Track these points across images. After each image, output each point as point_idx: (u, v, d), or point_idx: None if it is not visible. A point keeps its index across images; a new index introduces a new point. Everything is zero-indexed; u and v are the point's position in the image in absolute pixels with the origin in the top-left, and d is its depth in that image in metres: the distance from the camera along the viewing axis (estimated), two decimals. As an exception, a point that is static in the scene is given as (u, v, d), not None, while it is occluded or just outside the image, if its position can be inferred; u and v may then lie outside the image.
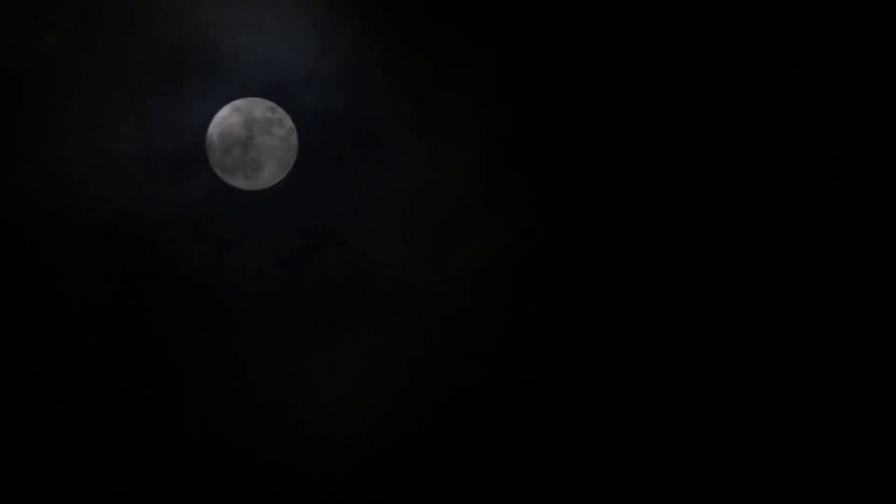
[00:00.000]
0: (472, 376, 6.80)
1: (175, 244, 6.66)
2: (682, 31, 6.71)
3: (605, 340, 6.77)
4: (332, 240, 6.79)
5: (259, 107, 6.72)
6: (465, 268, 6.87)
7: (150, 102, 6.62)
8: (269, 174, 6.74)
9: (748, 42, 6.69)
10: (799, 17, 6.69)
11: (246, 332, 6.75)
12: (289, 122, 6.73)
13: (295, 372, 6.77)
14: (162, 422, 6.62)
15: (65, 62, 6.58)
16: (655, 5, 6.71)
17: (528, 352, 6.80)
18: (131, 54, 6.64)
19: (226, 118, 6.68)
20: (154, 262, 6.65)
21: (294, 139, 6.75)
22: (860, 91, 6.66)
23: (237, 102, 6.69)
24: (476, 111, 6.85)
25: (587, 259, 6.81)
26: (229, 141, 6.67)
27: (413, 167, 6.84)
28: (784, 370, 6.64)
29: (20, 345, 6.53)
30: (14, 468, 6.43)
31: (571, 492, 6.68)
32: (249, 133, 6.68)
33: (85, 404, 6.57)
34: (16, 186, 6.55)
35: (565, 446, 6.73)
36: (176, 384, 6.66)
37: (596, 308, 6.80)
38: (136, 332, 6.64)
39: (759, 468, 6.65)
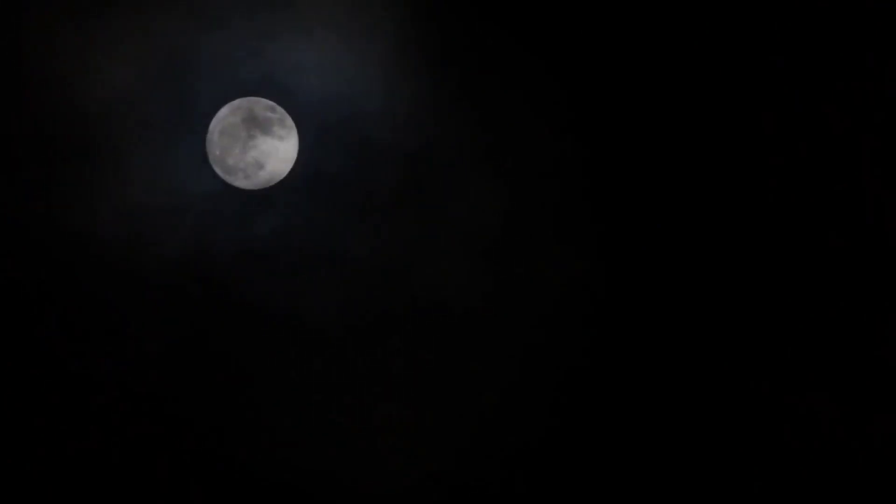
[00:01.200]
0: (546, 419, 6.79)
1: (247, 281, 6.74)
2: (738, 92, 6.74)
3: (688, 383, 6.76)
4: (396, 272, 6.81)
5: (258, 106, 6.74)
6: (534, 303, 6.86)
7: (222, 144, 6.68)
8: (270, 174, 6.76)
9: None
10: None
11: (307, 369, 6.80)
12: (289, 121, 6.75)
13: (361, 413, 6.82)
14: (229, 456, 6.69)
15: (135, 102, 6.64)
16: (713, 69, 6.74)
17: (606, 396, 6.78)
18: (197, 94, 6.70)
19: (225, 117, 6.70)
20: (227, 299, 6.72)
21: (294, 139, 6.77)
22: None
23: (236, 102, 6.72)
24: (539, 144, 6.87)
25: (665, 295, 6.81)
26: (229, 140, 6.69)
27: (477, 199, 6.85)
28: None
29: (94, 385, 6.60)
30: None
31: None
32: (250, 132, 6.70)
33: (159, 440, 6.67)
34: (86, 227, 6.63)
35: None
36: (245, 422, 6.74)
37: (682, 348, 6.81)
38: (202, 368, 6.72)
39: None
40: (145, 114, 6.63)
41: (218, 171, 6.70)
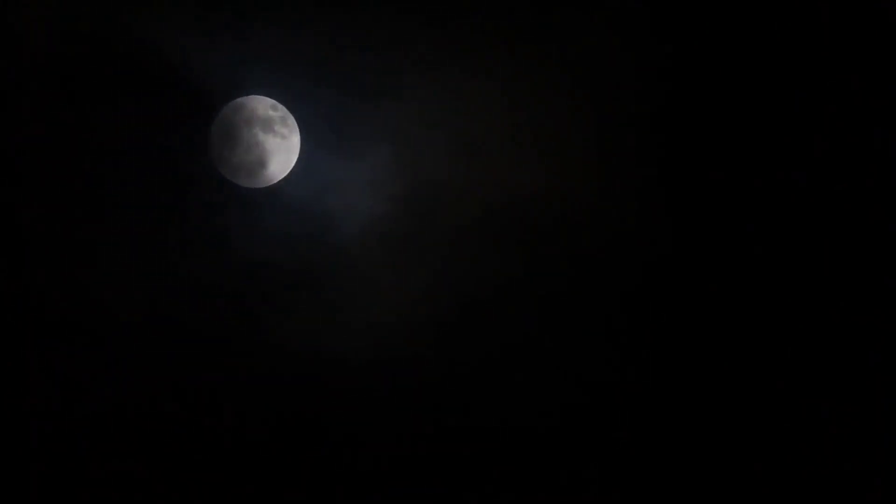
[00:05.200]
0: None
1: (476, 396, 6.92)
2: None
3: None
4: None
5: (261, 104, 6.74)
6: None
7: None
8: (273, 172, 6.77)
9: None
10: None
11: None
12: (291, 120, 6.75)
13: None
14: None
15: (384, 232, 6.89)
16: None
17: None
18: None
19: (227, 116, 6.71)
20: (460, 413, 6.94)
21: (296, 137, 6.77)
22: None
23: (239, 101, 6.73)
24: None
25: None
26: (231, 139, 6.70)
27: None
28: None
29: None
30: None
31: None
32: (252, 131, 6.71)
33: None
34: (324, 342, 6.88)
35: None
36: None
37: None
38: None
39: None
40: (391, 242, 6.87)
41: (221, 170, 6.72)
